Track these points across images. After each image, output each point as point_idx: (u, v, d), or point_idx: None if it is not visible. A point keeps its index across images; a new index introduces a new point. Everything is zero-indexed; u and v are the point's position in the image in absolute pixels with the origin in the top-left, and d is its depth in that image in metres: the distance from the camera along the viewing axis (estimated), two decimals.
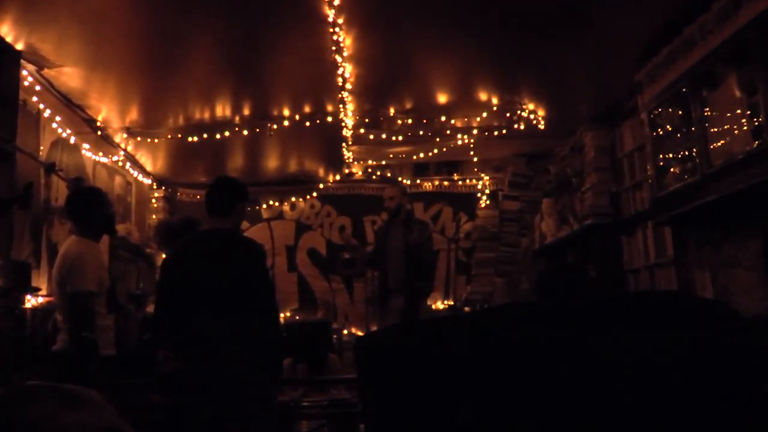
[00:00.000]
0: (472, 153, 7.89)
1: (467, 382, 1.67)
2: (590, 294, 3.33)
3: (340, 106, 6.19)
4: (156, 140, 6.89)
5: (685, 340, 1.65)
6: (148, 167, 8.11)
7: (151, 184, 8.50)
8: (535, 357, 1.65)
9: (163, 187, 8.68)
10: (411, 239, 6.14)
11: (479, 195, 8.70)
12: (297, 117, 6.48)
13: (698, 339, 1.65)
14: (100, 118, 6.26)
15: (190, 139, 6.72)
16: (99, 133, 6.41)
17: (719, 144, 4.12)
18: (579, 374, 1.63)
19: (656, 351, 1.63)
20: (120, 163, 7.20)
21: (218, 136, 6.63)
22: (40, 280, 5.03)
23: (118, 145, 6.95)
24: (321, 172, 8.72)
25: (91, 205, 4.05)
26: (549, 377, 1.63)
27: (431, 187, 8.84)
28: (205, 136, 6.65)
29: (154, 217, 8.52)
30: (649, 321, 1.68)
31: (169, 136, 6.76)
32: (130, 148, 7.22)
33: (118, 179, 7.31)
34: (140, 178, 7.99)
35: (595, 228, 6.26)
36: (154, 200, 8.61)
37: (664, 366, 1.62)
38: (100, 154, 6.52)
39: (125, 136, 6.77)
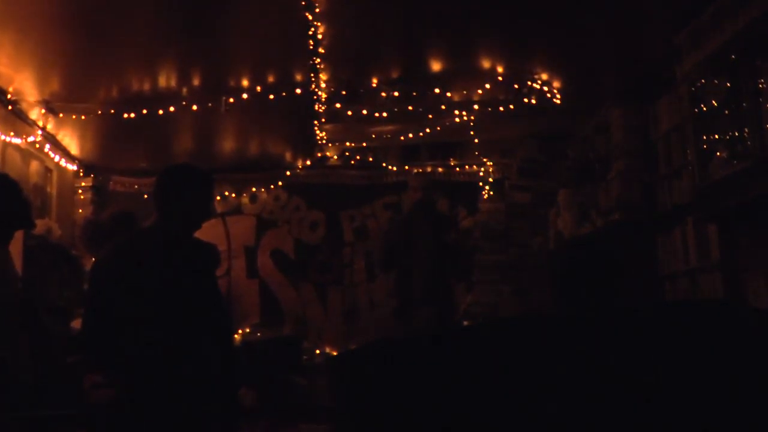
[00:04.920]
0: (472, 133, 7.90)
1: (469, 414, 1.66)
2: (620, 304, 3.33)
3: (312, 74, 6.18)
4: (83, 117, 6.84)
5: (736, 358, 1.65)
6: (73, 150, 8.05)
7: (77, 171, 8.43)
8: (552, 381, 1.65)
9: (92, 175, 8.62)
10: (447, 237, 6.21)
11: (481, 184, 8.72)
12: (258, 88, 6.46)
13: (753, 357, 1.65)
14: (11, 89, 6.21)
15: (126, 115, 6.69)
16: (10, 107, 6.35)
17: None
18: (608, 405, 1.63)
19: (703, 372, 1.63)
20: (37, 146, 7.13)
21: (161, 111, 6.61)
22: None
23: (34, 123, 6.88)
24: (288, 156, 8.71)
25: None
26: (569, 407, 1.63)
27: (414, 174, 8.83)
28: (144, 111, 6.63)
29: (80, 211, 8.46)
30: (693, 336, 1.69)
31: (100, 112, 6.71)
32: (50, 127, 7.16)
33: (34, 165, 7.23)
34: (63, 163, 7.92)
35: (623, 225, 6.28)
36: (80, 191, 8.54)
37: (713, 389, 1.62)
38: (12, 133, 6.45)
39: (44, 111, 6.71)
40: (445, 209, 8.74)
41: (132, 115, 6.67)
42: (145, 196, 8.07)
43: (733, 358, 1.68)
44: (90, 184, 8.62)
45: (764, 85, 4.22)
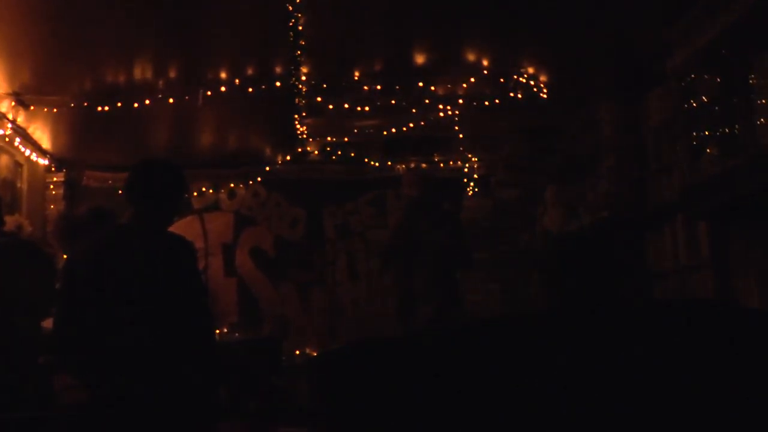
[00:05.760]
0: (457, 128, 7.90)
1: (453, 414, 1.67)
2: (610, 303, 3.35)
3: (292, 67, 6.16)
4: (55, 110, 6.78)
5: (727, 359, 1.67)
6: (45, 144, 7.98)
7: (49, 166, 8.36)
8: (540, 381, 1.66)
9: (64, 170, 8.55)
10: (445, 238, 6.22)
11: (466, 180, 8.72)
12: (237, 81, 6.44)
13: (743, 357, 1.67)
14: None
15: (99, 108, 6.63)
16: None
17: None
18: (597, 405, 1.64)
19: (693, 372, 1.64)
20: (7, 139, 7.07)
21: (136, 104, 6.56)
22: None
23: (4, 116, 6.81)
24: (267, 151, 8.67)
25: None
26: (558, 407, 1.64)
27: (406, 170, 8.83)
28: (119, 104, 6.57)
29: (52, 207, 8.39)
30: (684, 336, 1.70)
31: (73, 105, 6.66)
32: (20, 120, 7.09)
33: (4, 159, 7.17)
34: (34, 158, 7.86)
35: (612, 222, 6.31)
36: (52, 186, 8.47)
37: (703, 390, 1.64)
38: None
39: (14, 104, 6.64)
40: None
41: (106, 108, 6.63)
42: (120, 191, 8.03)
43: (723, 359, 1.69)
44: (62, 179, 8.54)
45: (756, 81, 4.25)
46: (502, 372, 1.70)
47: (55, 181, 8.50)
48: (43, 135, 7.72)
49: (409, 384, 1.72)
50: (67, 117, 7.03)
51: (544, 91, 6.72)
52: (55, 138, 7.86)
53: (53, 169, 8.45)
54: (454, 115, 7.30)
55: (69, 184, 8.60)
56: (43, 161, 8.16)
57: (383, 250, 7.00)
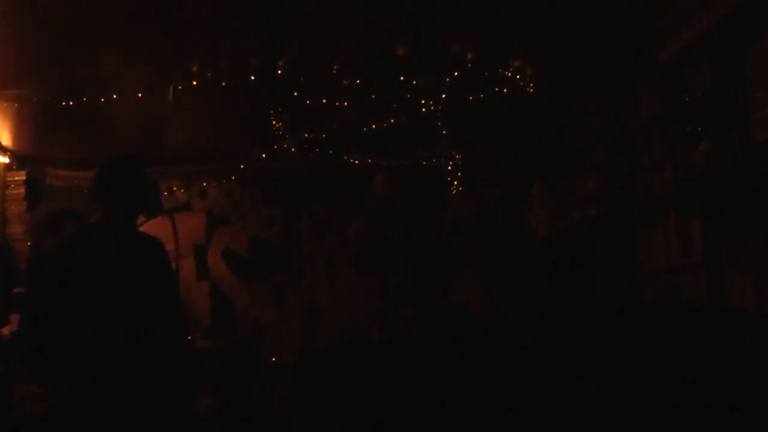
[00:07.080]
0: (440, 123, 7.90)
1: (442, 414, 1.67)
2: (600, 304, 3.36)
3: (268, 59, 6.13)
4: (16, 104, 6.73)
5: (721, 359, 1.67)
6: (5, 141, 7.92)
7: (9, 164, 8.30)
8: (529, 384, 1.66)
9: (26, 168, 8.49)
10: (424, 237, 6.25)
11: (450, 178, 8.73)
12: (209, 74, 6.40)
13: (737, 357, 1.68)
14: None
15: (64, 103, 6.59)
16: None
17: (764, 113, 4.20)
18: (592, 408, 1.64)
19: (686, 374, 1.65)
20: None
21: (103, 99, 6.52)
22: None
23: None
24: (242, 147, 8.64)
25: None
26: (549, 409, 1.64)
27: (378, 169, 8.81)
28: (85, 99, 6.53)
29: (12, 207, 8.33)
30: (676, 338, 1.70)
31: (35, 99, 6.61)
32: None
33: None
34: None
35: (601, 220, 6.33)
36: (12, 185, 8.40)
37: (698, 389, 1.64)
38: None
39: None
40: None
41: (70, 102, 6.59)
42: (86, 191, 7.99)
43: (717, 360, 1.70)
44: (23, 177, 8.46)
45: (751, 72, 4.27)
46: (488, 373, 1.70)
47: (16, 180, 8.41)
48: (3, 131, 7.66)
49: (395, 384, 1.72)
50: (29, 112, 6.98)
51: (531, 84, 6.74)
52: (16, 134, 7.80)
53: (14, 167, 8.37)
54: (437, 109, 7.30)
55: (31, 183, 8.52)
56: (3, 159, 8.11)
57: (355, 259, 7.02)
